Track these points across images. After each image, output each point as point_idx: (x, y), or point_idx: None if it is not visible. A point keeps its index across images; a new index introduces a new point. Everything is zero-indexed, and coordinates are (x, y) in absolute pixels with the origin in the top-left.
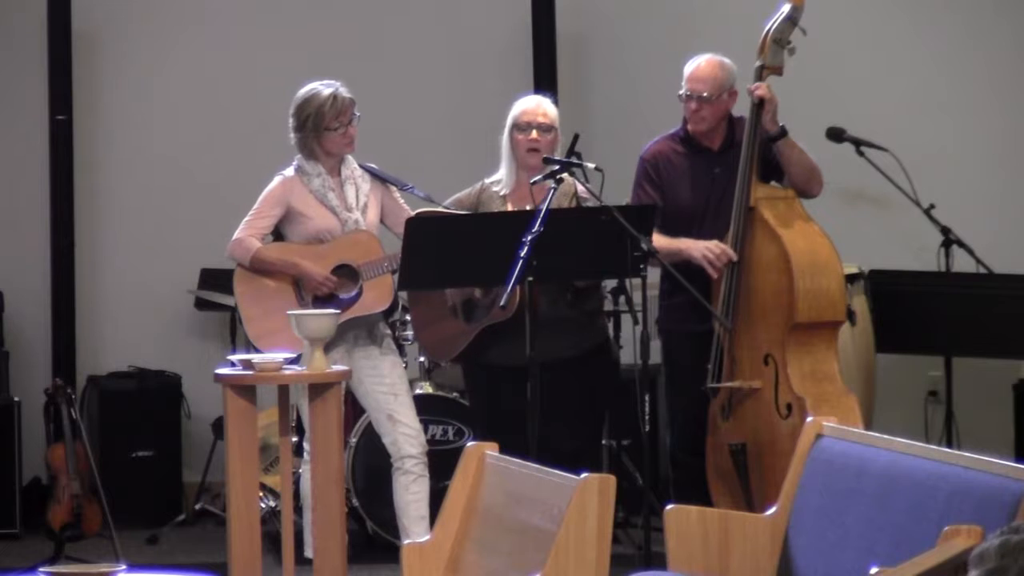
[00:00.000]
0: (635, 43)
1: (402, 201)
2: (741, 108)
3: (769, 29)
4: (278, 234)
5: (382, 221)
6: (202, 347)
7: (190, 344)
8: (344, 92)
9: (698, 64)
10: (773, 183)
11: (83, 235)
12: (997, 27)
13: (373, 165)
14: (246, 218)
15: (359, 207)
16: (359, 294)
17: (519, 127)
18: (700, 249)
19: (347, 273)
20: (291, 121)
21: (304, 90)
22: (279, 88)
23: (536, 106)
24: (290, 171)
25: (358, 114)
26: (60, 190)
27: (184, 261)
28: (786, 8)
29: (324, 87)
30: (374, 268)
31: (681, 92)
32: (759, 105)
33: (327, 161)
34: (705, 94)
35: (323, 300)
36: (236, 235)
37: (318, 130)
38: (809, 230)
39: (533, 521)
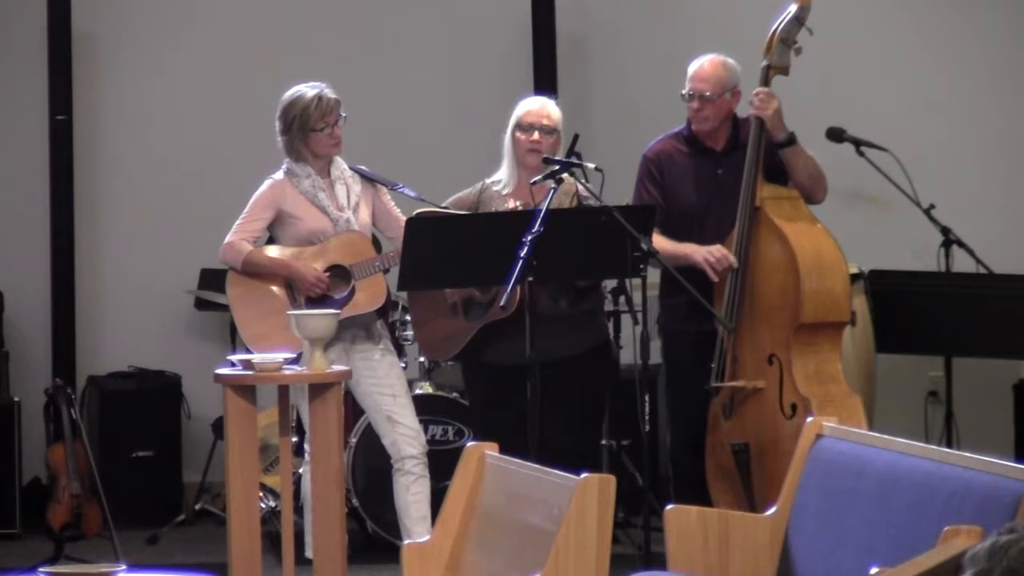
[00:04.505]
0: (635, 43)
1: (392, 204)
2: (745, 109)
3: (776, 29)
4: (270, 239)
5: (373, 224)
6: (202, 347)
7: (190, 344)
8: (329, 93)
9: (701, 64)
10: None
11: (83, 235)
12: (997, 27)
13: (362, 167)
14: (237, 222)
15: (350, 207)
16: (351, 294)
17: (522, 127)
18: (702, 253)
19: (339, 274)
20: (278, 124)
21: (289, 92)
22: (279, 88)
23: (540, 107)
24: (279, 174)
25: (344, 115)
26: (60, 190)
27: (184, 261)
28: (793, 8)
29: (309, 88)
30: (365, 268)
31: (684, 92)
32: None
33: (315, 163)
34: (707, 93)
35: (315, 301)
36: (227, 239)
37: (304, 131)
38: (815, 230)
39: (533, 521)
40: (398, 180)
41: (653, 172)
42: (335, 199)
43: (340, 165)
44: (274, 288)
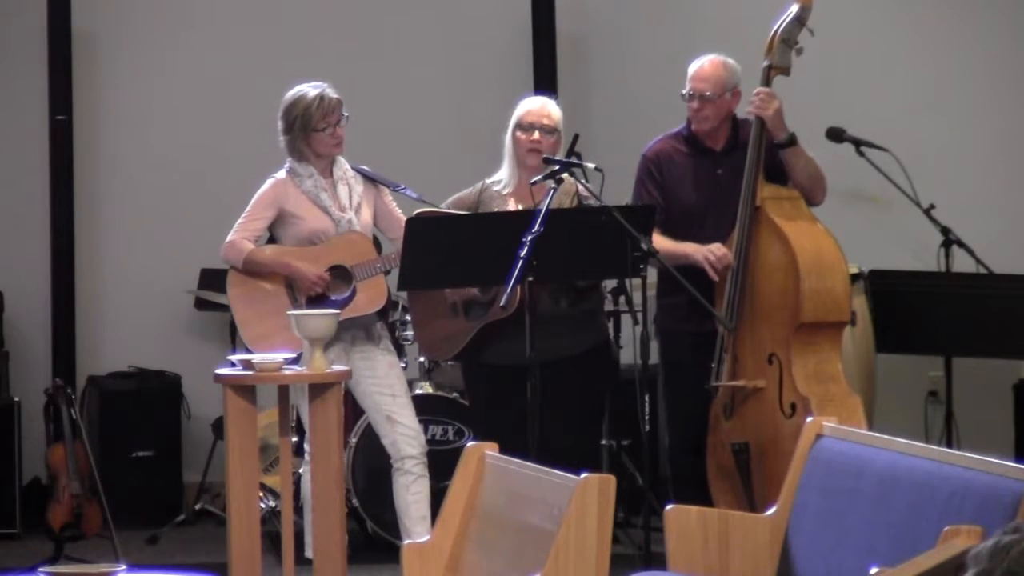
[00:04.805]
0: (635, 43)
1: (394, 205)
2: (746, 109)
3: (777, 29)
4: (272, 238)
5: (375, 224)
6: (202, 347)
7: (190, 344)
8: (331, 93)
9: (701, 64)
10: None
11: (83, 235)
12: (997, 27)
13: (365, 167)
14: (238, 221)
15: (352, 207)
16: (352, 295)
17: (522, 127)
18: (702, 252)
19: (340, 274)
20: (280, 123)
21: (291, 92)
22: (279, 88)
23: (541, 107)
24: (282, 174)
25: (346, 115)
26: (60, 190)
27: (184, 261)
28: (794, 8)
29: (311, 88)
30: (367, 269)
31: (684, 91)
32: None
33: (317, 163)
34: (708, 93)
35: (316, 301)
36: (229, 238)
37: (306, 131)
38: (815, 230)
39: (533, 521)
40: (398, 180)
41: (653, 172)
42: (337, 199)
43: (342, 165)
44: (275, 288)
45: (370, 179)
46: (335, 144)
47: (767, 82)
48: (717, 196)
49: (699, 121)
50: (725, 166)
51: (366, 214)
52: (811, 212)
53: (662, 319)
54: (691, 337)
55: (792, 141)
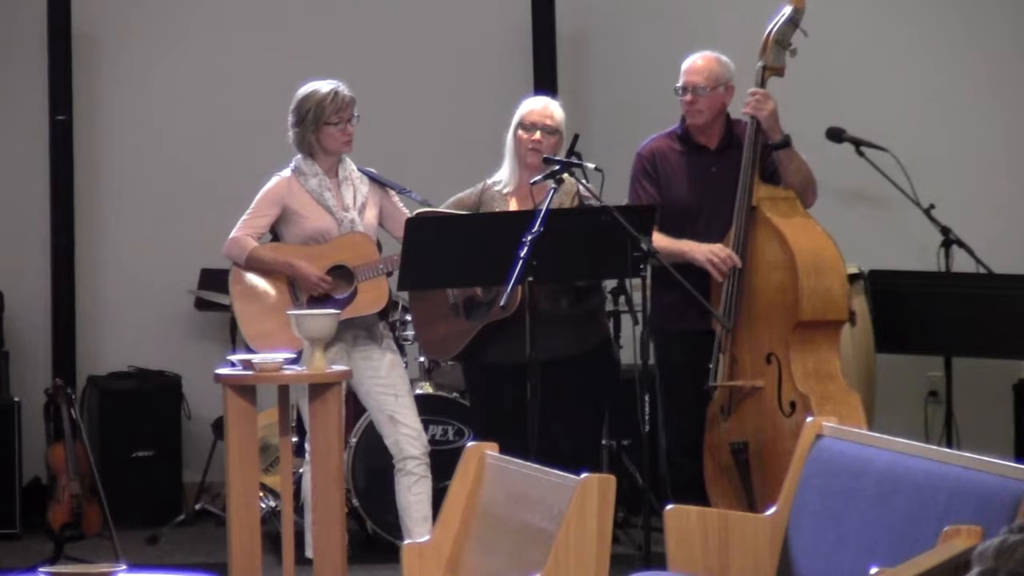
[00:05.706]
0: (635, 43)
1: (401, 205)
2: (738, 109)
3: (771, 30)
4: (275, 235)
5: (381, 225)
6: (202, 347)
7: (190, 344)
8: (345, 90)
9: (694, 59)
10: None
11: (83, 235)
12: (997, 27)
13: (372, 169)
14: (242, 217)
15: (356, 207)
16: (353, 295)
17: (524, 126)
18: (705, 253)
19: (342, 274)
20: (291, 117)
21: (305, 87)
22: (279, 88)
23: (543, 108)
24: (287, 171)
25: (357, 115)
26: (60, 190)
27: (184, 261)
28: (787, 10)
29: (324, 84)
30: (369, 270)
31: (677, 85)
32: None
33: (325, 160)
34: (701, 85)
35: (318, 300)
36: (232, 234)
37: (318, 124)
38: (812, 230)
39: (533, 521)
40: (399, 180)
41: (648, 169)
42: (341, 199)
43: (349, 166)
44: (277, 286)
45: (376, 181)
46: (345, 141)
47: (762, 83)
48: (711, 194)
49: (692, 115)
50: (719, 164)
51: (370, 215)
52: (807, 212)
53: (655, 318)
54: (686, 337)
55: (787, 142)
